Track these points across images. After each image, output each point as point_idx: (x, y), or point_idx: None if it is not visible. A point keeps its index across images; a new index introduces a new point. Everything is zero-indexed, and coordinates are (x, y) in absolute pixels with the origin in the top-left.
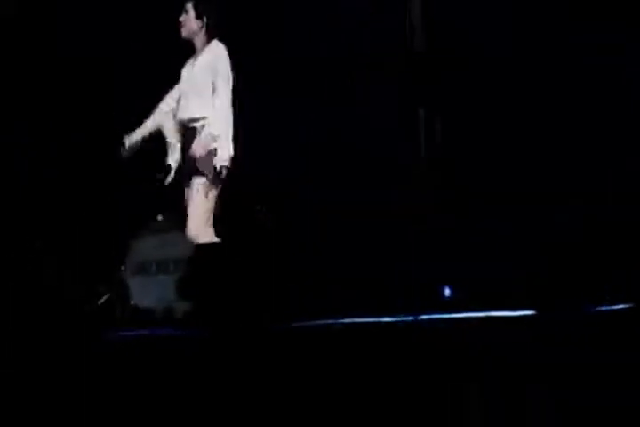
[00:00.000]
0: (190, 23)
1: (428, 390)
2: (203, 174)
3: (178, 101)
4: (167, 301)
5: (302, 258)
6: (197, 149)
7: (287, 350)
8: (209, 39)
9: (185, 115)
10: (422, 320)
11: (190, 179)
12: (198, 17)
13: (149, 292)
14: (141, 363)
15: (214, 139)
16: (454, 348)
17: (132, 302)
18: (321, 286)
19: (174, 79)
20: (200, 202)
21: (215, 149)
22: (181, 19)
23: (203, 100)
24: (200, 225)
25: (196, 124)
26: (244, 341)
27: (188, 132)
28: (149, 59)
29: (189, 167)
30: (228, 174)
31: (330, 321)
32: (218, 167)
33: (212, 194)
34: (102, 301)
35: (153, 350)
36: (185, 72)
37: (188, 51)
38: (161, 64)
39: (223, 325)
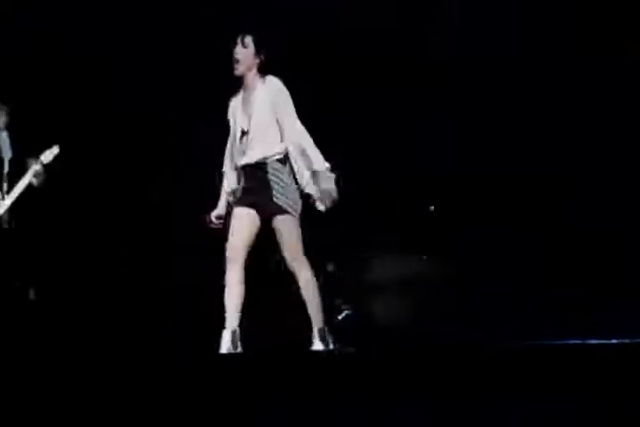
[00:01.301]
0: (249, 59)
1: None
2: (286, 210)
3: (241, 142)
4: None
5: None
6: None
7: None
8: (262, 75)
9: (255, 156)
10: None
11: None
12: (257, 53)
13: (387, 310)
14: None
15: (313, 168)
16: None
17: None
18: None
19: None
20: (291, 232)
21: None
22: (239, 56)
23: (269, 138)
24: (296, 255)
25: (267, 162)
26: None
27: (257, 170)
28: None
29: (268, 204)
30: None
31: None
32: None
33: (298, 222)
34: (342, 316)
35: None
36: (237, 110)
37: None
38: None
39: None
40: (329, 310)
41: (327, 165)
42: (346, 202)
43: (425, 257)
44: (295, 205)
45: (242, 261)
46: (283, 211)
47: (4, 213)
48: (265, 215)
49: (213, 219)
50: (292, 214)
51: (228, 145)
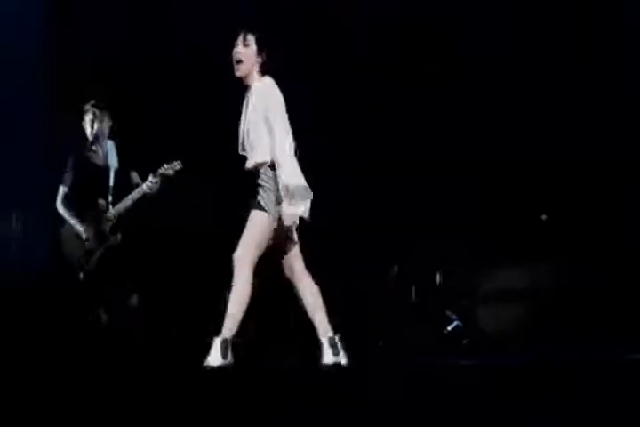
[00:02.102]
0: (251, 59)
1: None
2: (264, 209)
3: (243, 148)
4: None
5: None
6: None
7: None
8: (262, 75)
9: (250, 162)
10: None
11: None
12: (259, 52)
13: (499, 320)
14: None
15: (291, 190)
16: None
17: (478, 330)
18: None
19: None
20: (253, 225)
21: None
22: (240, 55)
23: (263, 143)
24: (242, 252)
25: (258, 168)
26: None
27: (254, 178)
28: None
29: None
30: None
31: None
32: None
33: (267, 223)
34: (451, 327)
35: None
36: (242, 114)
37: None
38: None
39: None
40: (439, 321)
41: (302, 184)
42: (455, 211)
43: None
44: (271, 205)
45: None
46: (259, 208)
47: (110, 223)
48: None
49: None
50: (266, 211)
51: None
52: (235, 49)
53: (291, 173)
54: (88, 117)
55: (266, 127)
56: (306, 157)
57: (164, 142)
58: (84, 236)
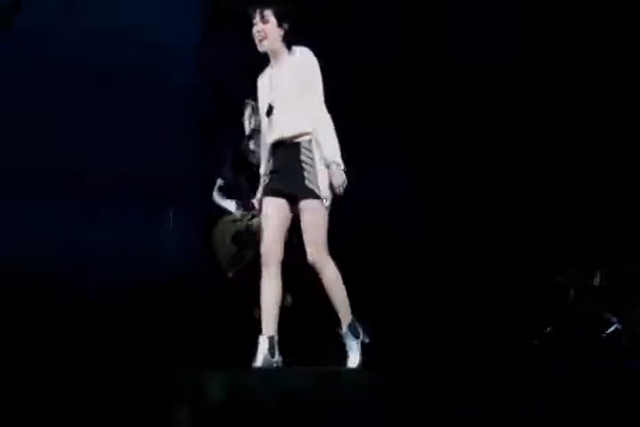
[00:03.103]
0: (273, 34)
1: None
2: (318, 196)
3: (269, 118)
4: None
5: None
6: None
7: None
8: (288, 47)
9: (284, 132)
10: None
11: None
12: (280, 25)
13: None
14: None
15: (328, 160)
16: None
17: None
18: None
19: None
20: (318, 223)
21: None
22: (261, 33)
23: (299, 113)
24: (320, 250)
25: (299, 140)
26: None
27: (288, 149)
28: None
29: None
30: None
31: None
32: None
33: (326, 215)
34: (611, 330)
35: None
36: (265, 86)
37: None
38: None
39: None
40: (598, 324)
41: (338, 160)
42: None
43: None
44: (326, 192)
45: (277, 262)
46: (313, 197)
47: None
48: (295, 202)
49: (256, 204)
50: (323, 203)
51: (262, 124)
52: (254, 28)
53: (336, 148)
54: (247, 112)
55: (302, 99)
56: None
57: None
58: (238, 215)
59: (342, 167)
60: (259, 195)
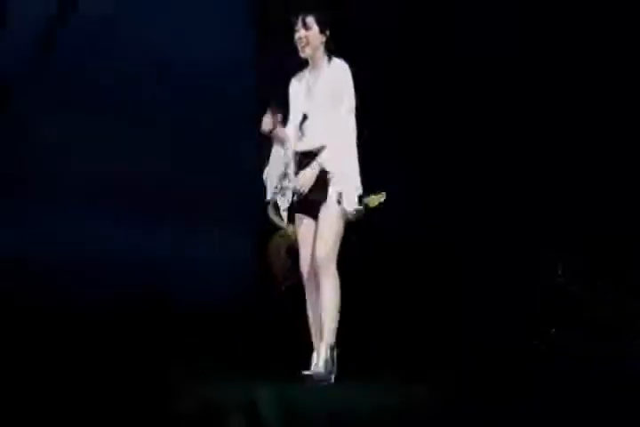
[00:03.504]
0: (316, 40)
1: None
2: (339, 202)
3: (301, 127)
4: None
5: None
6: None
7: None
8: (328, 55)
9: (315, 143)
10: None
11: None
12: (322, 31)
13: None
14: None
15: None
16: None
17: None
18: None
19: None
20: (330, 229)
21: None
22: (301, 35)
23: (330, 124)
24: (326, 259)
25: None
26: None
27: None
28: None
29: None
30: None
31: None
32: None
33: (341, 225)
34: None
35: None
36: (300, 93)
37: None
38: None
39: None
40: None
41: (358, 186)
42: None
43: None
44: (350, 201)
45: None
46: (334, 206)
47: None
48: (319, 209)
49: (285, 218)
50: (343, 209)
51: (289, 126)
52: (297, 34)
53: (354, 161)
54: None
55: (333, 110)
56: None
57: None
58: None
59: (359, 192)
60: (286, 208)
